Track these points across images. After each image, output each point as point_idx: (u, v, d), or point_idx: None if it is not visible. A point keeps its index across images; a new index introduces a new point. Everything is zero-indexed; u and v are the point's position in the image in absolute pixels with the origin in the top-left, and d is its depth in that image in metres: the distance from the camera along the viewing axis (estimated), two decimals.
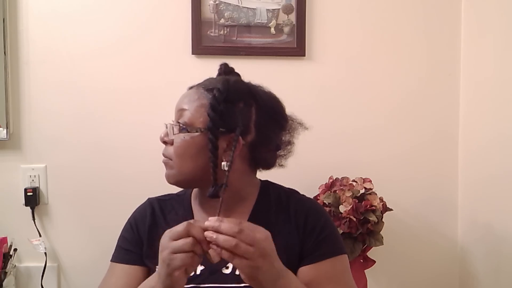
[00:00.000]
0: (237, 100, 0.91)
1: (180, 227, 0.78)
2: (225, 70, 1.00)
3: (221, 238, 0.76)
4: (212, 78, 0.98)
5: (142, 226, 1.02)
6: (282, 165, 1.02)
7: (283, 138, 1.00)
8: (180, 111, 0.93)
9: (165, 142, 0.95)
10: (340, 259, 0.97)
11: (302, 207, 0.99)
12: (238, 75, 1.02)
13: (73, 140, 1.47)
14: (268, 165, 1.00)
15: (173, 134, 0.92)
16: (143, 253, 1.00)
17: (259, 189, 1.02)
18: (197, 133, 0.90)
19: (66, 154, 1.47)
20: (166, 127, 0.95)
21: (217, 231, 0.76)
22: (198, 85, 0.96)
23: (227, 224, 0.77)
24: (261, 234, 0.79)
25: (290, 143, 1.01)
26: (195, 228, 0.77)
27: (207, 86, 0.93)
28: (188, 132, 0.90)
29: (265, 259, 0.78)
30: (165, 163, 0.95)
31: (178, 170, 0.93)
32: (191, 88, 0.97)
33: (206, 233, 0.77)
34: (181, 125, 0.91)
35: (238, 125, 0.89)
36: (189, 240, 0.76)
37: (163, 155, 0.96)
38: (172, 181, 0.95)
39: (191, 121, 0.91)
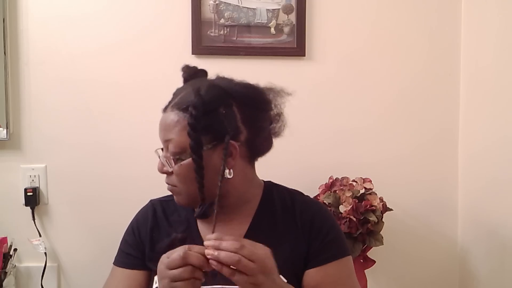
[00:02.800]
0: (216, 107, 0.87)
1: (176, 256, 0.77)
2: (190, 73, 0.96)
3: (223, 254, 0.75)
4: (181, 91, 0.93)
5: (144, 229, 1.02)
6: (279, 136, 0.98)
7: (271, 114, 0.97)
8: (166, 142, 0.91)
9: (164, 172, 0.93)
10: (346, 261, 0.97)
11: (308, 209, 0.99)
12: (204, 73, 0.97)
13: (73, 140, 1.47)
14: (268, 150, 0.97)
15: (171, 167, 0.90)
16: (145, 256, 1.00)
17: (262, 190, 1.01)
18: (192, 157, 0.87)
19: (66, 154, 1.47)
20: (159, 157, 0.93)
21: (217, 249, 0.76)
22: (172, 105, 0.91)
23: (227, 242, 0.76)
24: (262, 250, 0.79)
25: (279, 114, 0.97)
26: (192, 256, 0.76)
27: (180, 105, 0.89)
28: (183, 160, 0.88)
29: (266, 275, 0.78)
30: (172, 191, 0.95)
31: (186, 194, 0.92)
32: (165, 110, 0.93)
33: (206, 251, 0.76)
34: (174, 156, 0.89)
35: (227, 131, 0.87)
36: (187, 268, 0.76)
37: (167, 183, 0.94)
38: (185, 204, 0.95)
39: (181, 148, 0.88)
